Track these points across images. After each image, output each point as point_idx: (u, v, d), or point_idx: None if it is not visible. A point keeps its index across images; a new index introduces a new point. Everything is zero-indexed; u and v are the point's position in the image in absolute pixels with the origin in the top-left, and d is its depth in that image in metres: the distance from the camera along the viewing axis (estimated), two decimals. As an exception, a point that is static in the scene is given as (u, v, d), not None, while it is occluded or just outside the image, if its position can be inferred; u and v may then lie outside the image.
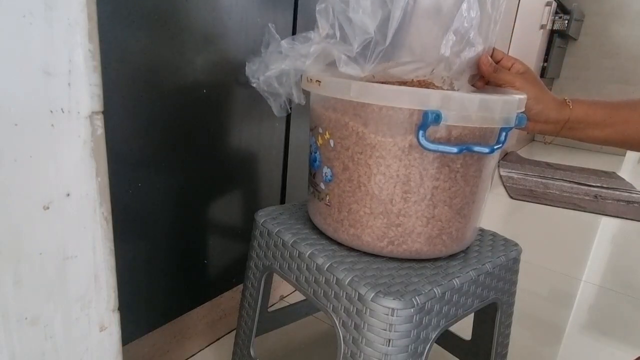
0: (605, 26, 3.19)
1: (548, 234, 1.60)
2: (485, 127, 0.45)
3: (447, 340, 0.76)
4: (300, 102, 0.56)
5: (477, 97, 0.43)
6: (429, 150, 0.43)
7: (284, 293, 1.00)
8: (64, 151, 0.30)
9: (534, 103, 0.53)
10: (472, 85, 0.57)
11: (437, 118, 0.41)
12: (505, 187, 2.08)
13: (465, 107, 0.43)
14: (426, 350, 0.47)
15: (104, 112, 0.32)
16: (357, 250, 0.52)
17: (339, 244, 0.53)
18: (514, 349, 0.89)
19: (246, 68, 0.58)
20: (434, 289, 0.46)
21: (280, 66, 0.51)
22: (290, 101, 0.58)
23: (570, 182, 2.27)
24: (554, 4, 2.57)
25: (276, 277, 0.66)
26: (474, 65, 0.52)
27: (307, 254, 0.51)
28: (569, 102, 0.54)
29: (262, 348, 0.83)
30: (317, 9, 0.47)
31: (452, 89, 0.54)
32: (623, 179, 2.44)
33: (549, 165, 2.63)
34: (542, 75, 2.88)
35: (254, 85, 0.57)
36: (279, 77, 0.54)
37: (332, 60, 0.48)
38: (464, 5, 0.45)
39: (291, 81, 0.54)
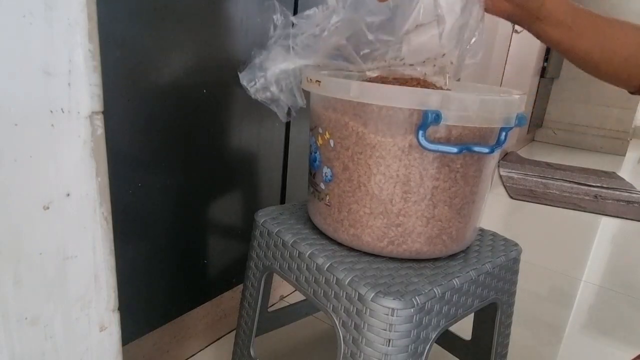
0: (605, 26, 3.18)
1: (548, 234, 1.60)
2: (485, 127, 0.45)
3: (447, 340, 0.76)
4: (302, 105, 0.56)
5: (477, 97, 0.43)
6: (429, 150, 0.43)
7: (284, 293, 1.00)
8: (64, 151, 0.30)
9: None
10: None
11: (437, 118, 0.41)
12: (505, 187, 2.08)
13: (465, 107, 0.43)
14: (426, 350, 0.47)
15: (104, 112, 0.32)
16: (357, 250, 0.52)
17: (339, 244, 0.53)
18: (514, 349, 0.89)
19: (240, 78, 0.57)
20: (434, 289, 0.46)
21: (281, 65, 0.51)
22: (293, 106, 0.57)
23: (570, 182, 2.27)
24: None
25: (276, 277, 0.66)
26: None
27: (307, 254, 0.51)
28: None
29: (262, 348, 0.83)
30: None
31: (447, 81, 0.54)
32: (623, 179, 2.44)
33: (549, 165, 2.63)
34: (542, 75, 2.89)
35: (252, 93, 0.55)
36: (278, 82, 0.53)
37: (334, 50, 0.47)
38: None
39: (292, 84, 0.54)
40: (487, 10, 0.50)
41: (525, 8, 0.49)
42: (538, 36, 0.52)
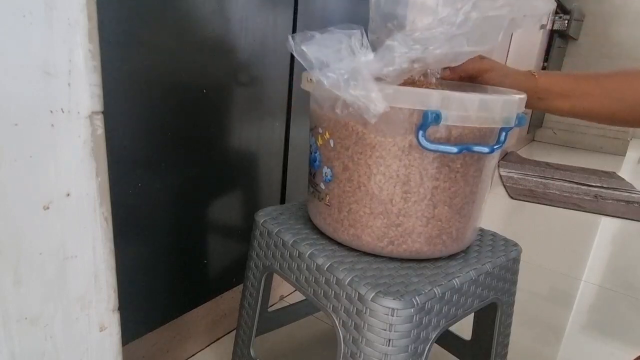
0: (606, 26, 3.19)
1: (548, 234, 1.60)
2: (485, 127, 0.45)
3: (447, 340, 0.76)
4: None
5: (477, 97, 0.43)
6: (429, 150, 0.43)
7: (284, 293, 1.00)
8: (64, 151, 0.30)
9: (503, 77, 0.55)
10: (442, 78, 0.57)
11: (437, 118, 0.41)
12: (505, 187, 2.08)
13: (465, 107, 0.43)
14: (426, 350, 0.47)
15: (104, 112, 0.32)
16: (357, 250, 0.52)
17: (339, 244, 0.53)
18: (514, 349, 0.89)
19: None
20: (434, 289, 0.46)
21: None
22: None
23: (570, 182, 2.27)
24: (554, 4, 2.57)
25: (276, 277, 0.66)
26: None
27: (307, 254, 0.51)
28: (534, 73, 0.56)
29: (262, 348, 0.83)
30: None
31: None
32: (623, 179, 2.44)
33: (549, 165, 2.63)
34: (542, 75, 2.88)
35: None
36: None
37: None
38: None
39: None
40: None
41: (527, 92, 0.52)
42: (549, 112, 0.57)
